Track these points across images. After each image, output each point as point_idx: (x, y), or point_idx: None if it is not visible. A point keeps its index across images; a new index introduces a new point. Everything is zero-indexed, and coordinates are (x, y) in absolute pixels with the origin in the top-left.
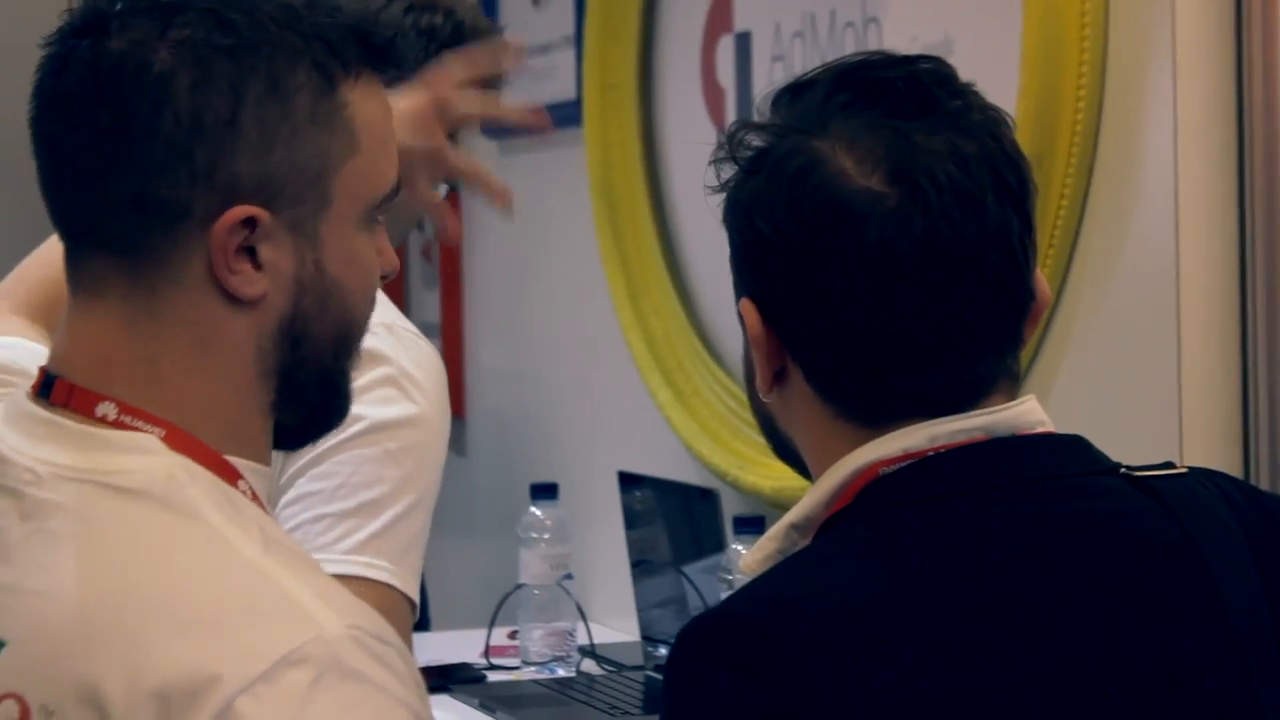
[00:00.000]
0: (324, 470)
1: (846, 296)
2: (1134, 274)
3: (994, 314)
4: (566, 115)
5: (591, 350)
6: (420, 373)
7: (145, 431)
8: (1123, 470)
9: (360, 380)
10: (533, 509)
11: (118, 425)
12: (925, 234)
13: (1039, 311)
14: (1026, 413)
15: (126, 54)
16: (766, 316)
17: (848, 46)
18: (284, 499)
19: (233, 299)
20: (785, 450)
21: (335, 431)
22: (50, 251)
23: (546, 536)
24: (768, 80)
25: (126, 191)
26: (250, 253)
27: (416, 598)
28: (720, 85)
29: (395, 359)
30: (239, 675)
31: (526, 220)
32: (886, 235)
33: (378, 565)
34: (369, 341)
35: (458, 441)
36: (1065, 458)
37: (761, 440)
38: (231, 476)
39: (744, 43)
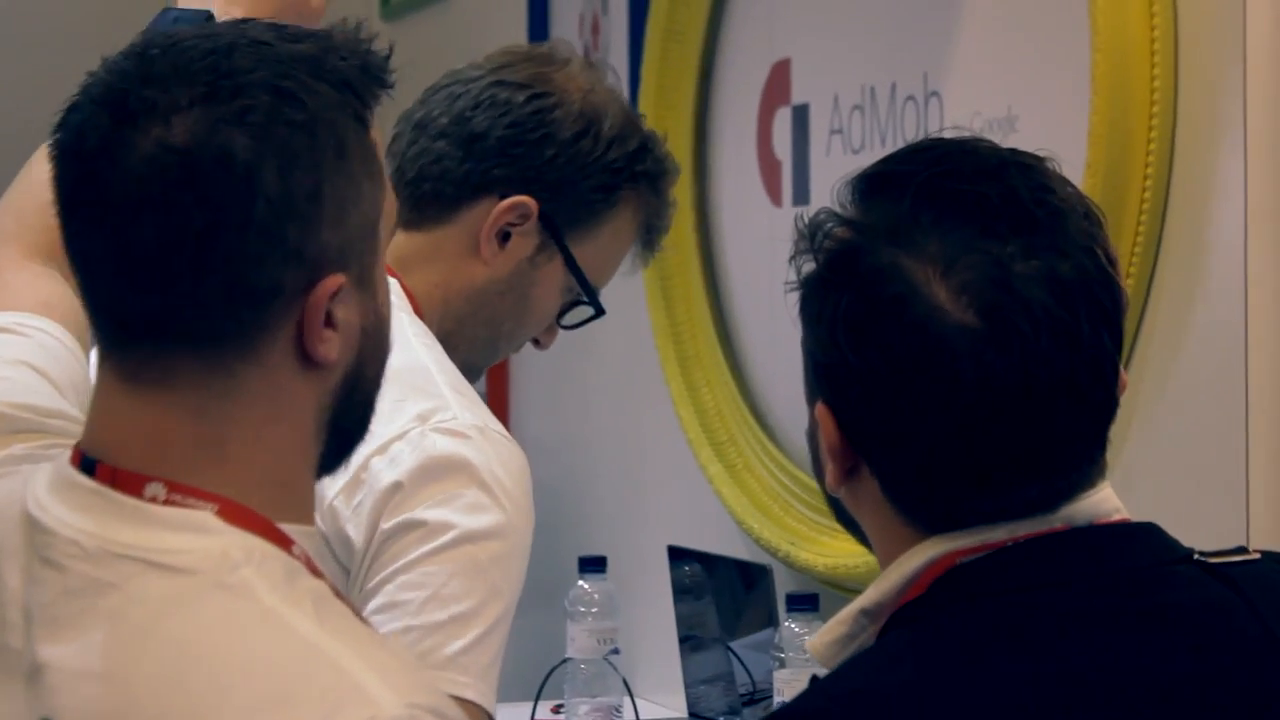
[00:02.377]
0: (414, 579)
1: (937, 431)
2: (1201, 354)
3: (1083, 434)
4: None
5: (641, 422)
6: (510, 479)
7: (197, 509)
8: (1196, 557)
9: (452, 487)
10: (580, 582)
11: (168, 504)
12: (1019, 370)
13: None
14: (1102, 501)
15: (202, 145)
16: (842, 426)
17: (908, 120)
18: (372, 604)
19: (308, 364)
20: (850, 524)
21: (426, 538)
22: (36, 179)
23: (594, 610)
24: (825, 154)
25: (220, 285)
26: (326, 316)
27: (494, 710)
28: (776, 157)
29: (487, 465)
30: None
31: None
32: (983, 374)
33: (462, 682)
34: (461, 447)
35: None
36: (1142, 547)
37: (814, 517)
38: (285, 544)
39: (801, 115)
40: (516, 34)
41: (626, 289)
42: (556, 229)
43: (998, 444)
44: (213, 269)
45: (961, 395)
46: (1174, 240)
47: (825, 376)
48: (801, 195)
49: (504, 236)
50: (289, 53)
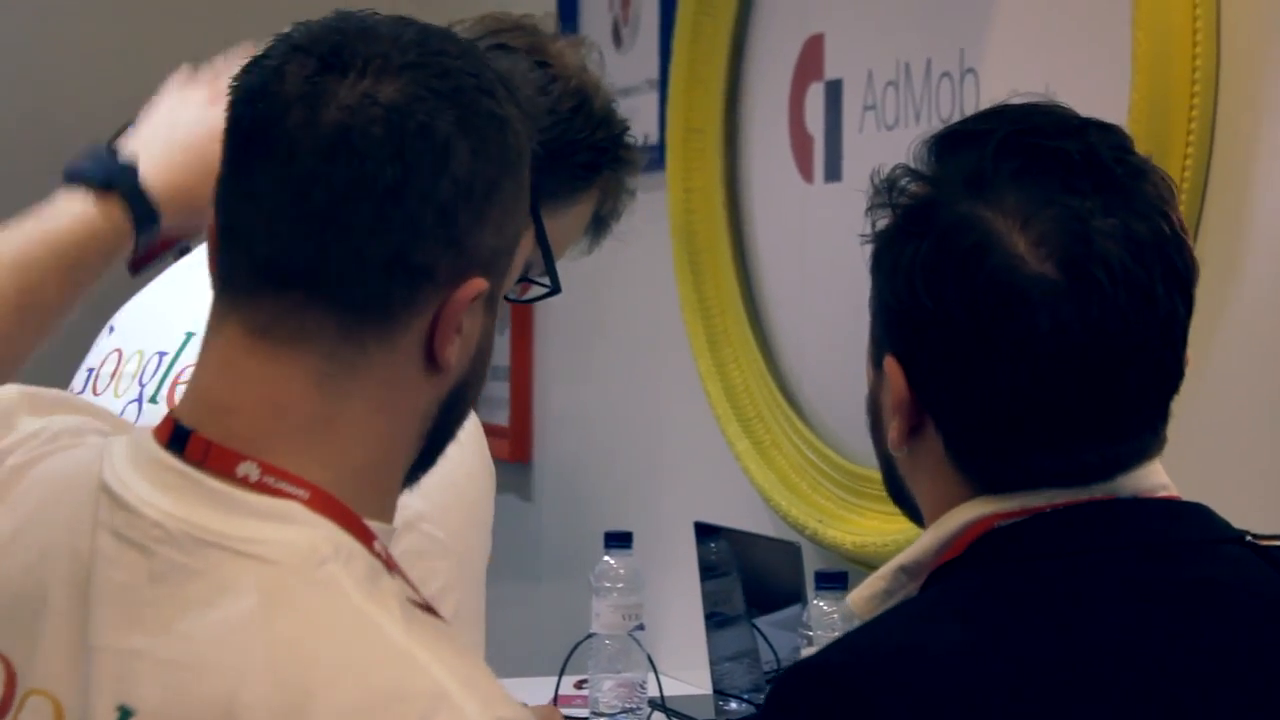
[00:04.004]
0: None
1: (1010, 381)
2: (1240, 337)
3: (1152, 399)
4: (649, 159)
5: (668, 397)
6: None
7: (289, 495)
8: (1248, 539)
9: None
10: (606, 557)
11: (259, 487)
12: (1097, 325)
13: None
14: (1149, 475)
15: (409, 109)
16: (912, 380)
17: (943, 97)
18: None
19: (431, 365)
20: (901, 496)
21: None
22: None
23: (619, 585)
24: (858, 130)
25: (386, 250)
26: None
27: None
28: (809, 133)
29: None
30: None
31: (603, 263)
32: (1059, 325)
33: None
34: None
35: (523, 487)
36: (1187, 523)
37: (842, 495)
38: (368, 539)
39: (834, 90)
40: (545, 7)
41: (655, 264)
42: (535, 200)
43: (1068, 400)
44: (387, 229)
45: (1035, 346)
46: (1214, 222)
47: (898, 326)
48: (834, 172)
49: None
50: (485, 62)
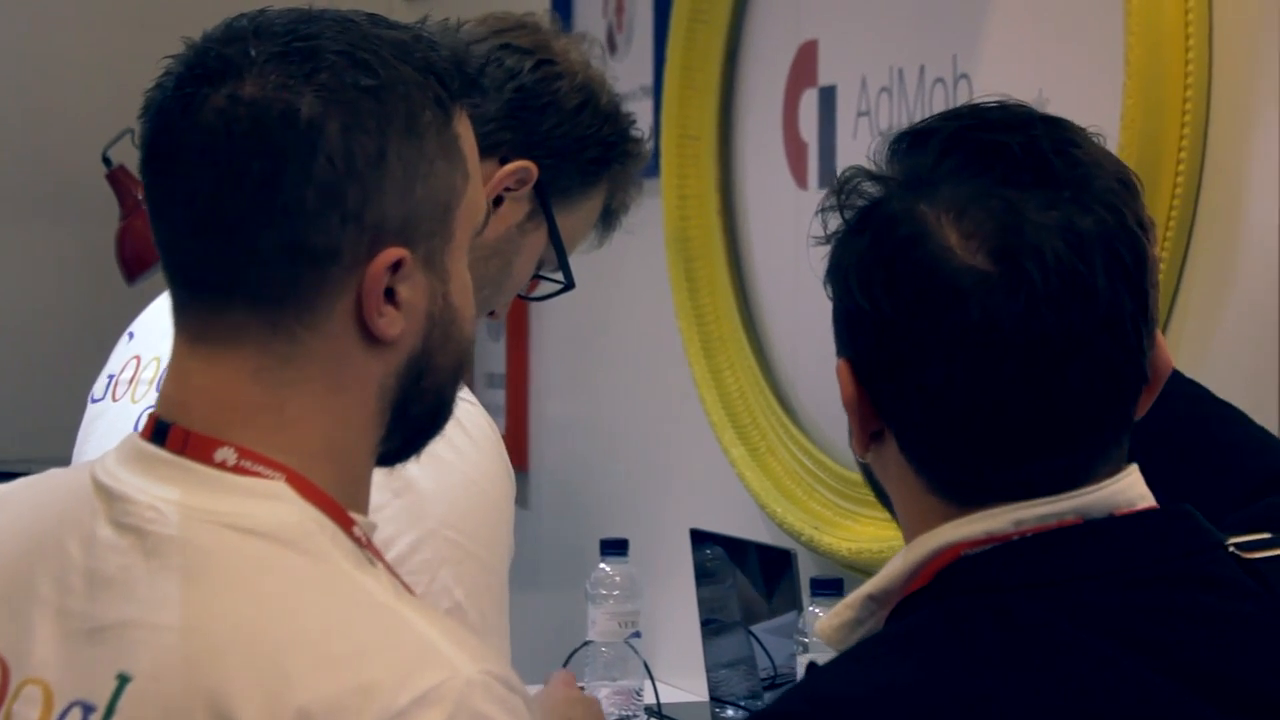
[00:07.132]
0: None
1: (944, 378)
2: (1234, 341)
3: (1100, 401)
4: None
5: (663, 405)
6: (471, 445)
7: (268, 477)
8: (1231, 548)
9: (415, 470)
10: (602, 565)
11: (238, 470)
12: (1027, 317)
13: (1158, 381)
14: (1125, 489)
15: (270, 100)
16: (862, 381)
17: (937, 103)
18: None
19: (371, 340)
20: (886, 502)
21: (408, 529)
22: None
23: (615, 593)
24: (852, 136)
25: (278, 240)
26: (388, 292)
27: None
28: (803, 139)
29: (450, 437)
30: (374, 712)
31: (599, 270)
32: (988, 316)
33: None
34: None
35: (519, 494)
36: (1165, 539)
37: (838, 501)
38: (346, 523)
39: (828, 97)
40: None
41: (650, 271)
42: (546, 198)
43: (1008, 400)
44: (270, 221)
45: (968, 338)
46: (1207, 226)
47: (844, 328)
48: (828, 178)
49: (496, 201)
50: (375, 33)
